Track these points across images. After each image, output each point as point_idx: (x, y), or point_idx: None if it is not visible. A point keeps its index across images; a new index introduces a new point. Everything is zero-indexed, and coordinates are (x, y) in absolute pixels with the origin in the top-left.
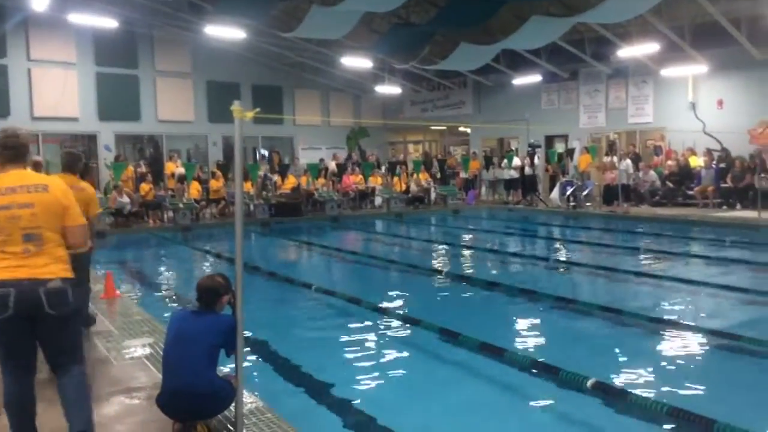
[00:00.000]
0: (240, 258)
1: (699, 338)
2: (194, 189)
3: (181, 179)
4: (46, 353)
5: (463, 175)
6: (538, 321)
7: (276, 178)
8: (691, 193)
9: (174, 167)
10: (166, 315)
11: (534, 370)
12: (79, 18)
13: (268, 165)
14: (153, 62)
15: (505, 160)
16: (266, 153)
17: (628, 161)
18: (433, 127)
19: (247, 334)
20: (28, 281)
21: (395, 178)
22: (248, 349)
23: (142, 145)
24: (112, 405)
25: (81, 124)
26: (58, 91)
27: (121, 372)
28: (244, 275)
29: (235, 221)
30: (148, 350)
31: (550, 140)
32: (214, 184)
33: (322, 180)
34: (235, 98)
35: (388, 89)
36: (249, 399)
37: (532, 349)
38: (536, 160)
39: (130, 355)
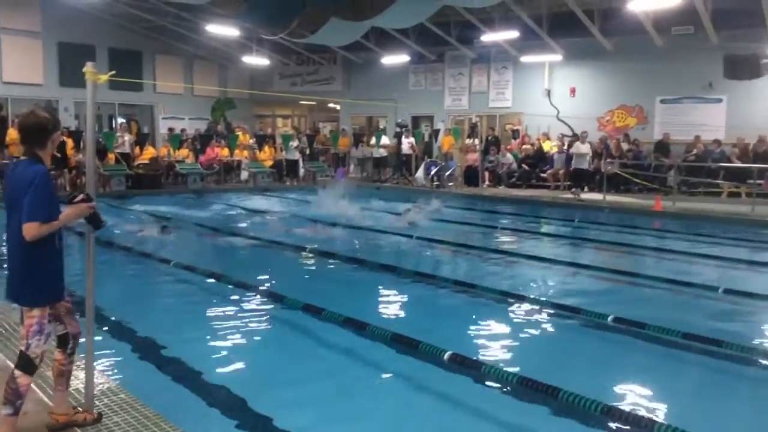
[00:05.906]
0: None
1: (545, 311)
2: None
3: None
4: None
5: (332, 151)
6: (399, 296)
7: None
8: (544, 175)
9: (16, 135)
10: None
11: (395, 343)
12: None
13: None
14: None
15: (374, 139)
16: (123, 121)
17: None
18: (302, 102)
19: (100, 311)
20: None
21: (262, 153)
22: (99, 326)
23: None
24: None
25: None
26: None
27: None
28: (98, 250)
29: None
30: None
31: (416, 121)
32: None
33: (184, 151)
34: (90, 61)
35: (256, 60)
36: (100, 379)
37: (393, 323)
38: (404, 140)
39: None
